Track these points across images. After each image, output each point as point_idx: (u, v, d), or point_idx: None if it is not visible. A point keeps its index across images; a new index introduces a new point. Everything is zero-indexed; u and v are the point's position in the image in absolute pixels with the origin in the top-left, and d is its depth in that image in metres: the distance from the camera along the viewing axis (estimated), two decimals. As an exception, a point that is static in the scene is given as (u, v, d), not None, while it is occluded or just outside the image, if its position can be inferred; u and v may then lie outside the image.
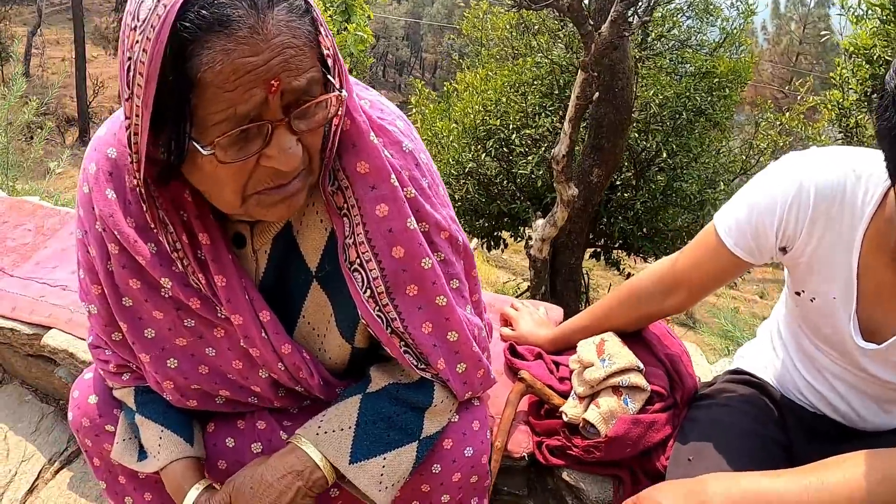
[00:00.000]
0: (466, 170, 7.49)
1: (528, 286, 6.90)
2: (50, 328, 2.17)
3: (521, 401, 1.76)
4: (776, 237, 1.35)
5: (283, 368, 1.27)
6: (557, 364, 1.79)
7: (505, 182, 7.77)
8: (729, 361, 2.02)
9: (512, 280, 12.74)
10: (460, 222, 6.82)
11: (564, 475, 1.68)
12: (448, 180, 7.81)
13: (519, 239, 8.25)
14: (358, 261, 1.15)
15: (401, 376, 1.31)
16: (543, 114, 7.28)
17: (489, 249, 9.06)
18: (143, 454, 1.36)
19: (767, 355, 1.71)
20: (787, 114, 8.53)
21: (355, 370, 1.36)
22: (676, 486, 1.33)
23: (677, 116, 7.42)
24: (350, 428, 1.24)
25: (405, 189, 1.14)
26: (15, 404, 2.42)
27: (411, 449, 1.27)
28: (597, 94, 5.48)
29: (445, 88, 9.28)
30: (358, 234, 1.13)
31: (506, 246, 8.91)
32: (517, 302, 2.09)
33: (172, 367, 1.27)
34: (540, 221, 6.10)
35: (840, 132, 5.34)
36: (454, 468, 1.34)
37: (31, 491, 2.16)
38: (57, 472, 2.23)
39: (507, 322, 2.03)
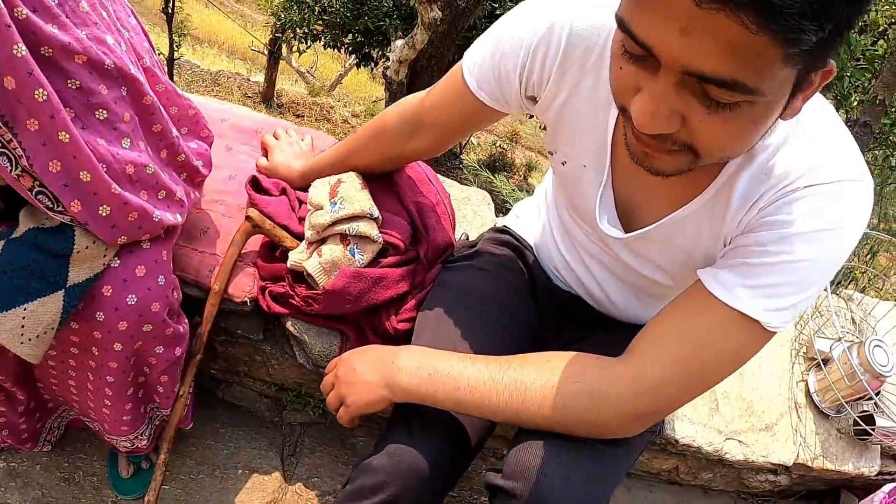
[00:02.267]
0: (332, -21, 7.00)
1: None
2: None
3: (255, 240, 1.56)
4: (520, 83, 1.13)
5: None
6: (301, 202, 1.58)
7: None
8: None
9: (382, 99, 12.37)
10: (327, 36, 6.41)
11: (289, 325, 1.53)
12: (309, -10, 7.30)
13: (388, 59, 7.90)
14: None
15: (45, 220, 1.19)
16: (416, -75, 6.79)
17: (359, 66, 8.64)
18: None
19: (532, 218, 1.56)
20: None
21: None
22: (374, 352, 1.24)
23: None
24: None
25: (15, 10, 0.99)
26: None
27: (56, 298, 1.18)
28: None
29: None
30: None
31: (376, 64, 8.47)
32: (281, 130, 1.85)
33: None
34: (399, 42, 5.73)
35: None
36: (118, 316, 1.25)
37: None
38: None
39: (266, 152, 1.79)
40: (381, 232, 1.44)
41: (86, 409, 1.52)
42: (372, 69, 8.95)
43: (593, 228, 1.20)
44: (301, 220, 1.53)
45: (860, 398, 1.97)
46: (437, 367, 1.15)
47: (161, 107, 1.29)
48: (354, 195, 1.41)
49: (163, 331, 1.34)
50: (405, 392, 1.16)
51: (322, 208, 1.42)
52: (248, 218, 1.48)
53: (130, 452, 1.65)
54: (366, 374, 1.20)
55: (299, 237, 1.51)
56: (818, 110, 0.96)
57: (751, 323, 0.97)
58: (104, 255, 1.22)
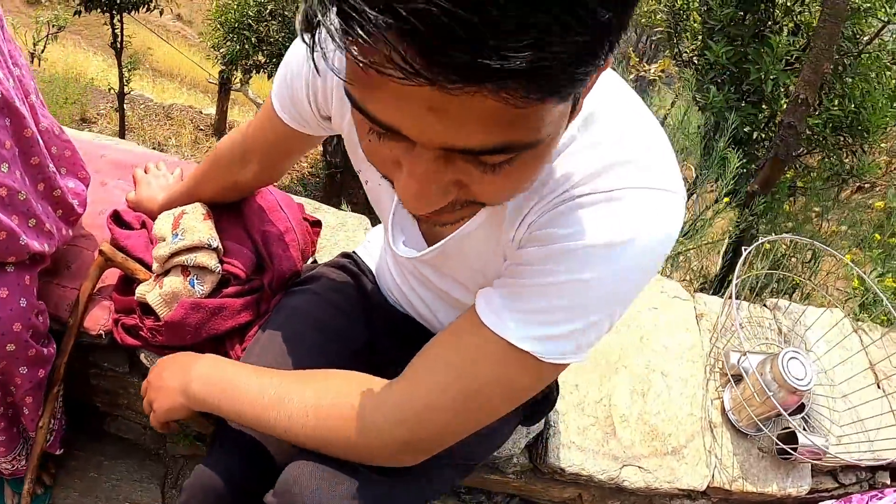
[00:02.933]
0: (268, 10, 7.03)
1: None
2: None
3: (114, 272, 1.59)
4: (310, 103, 1.10)
5: None
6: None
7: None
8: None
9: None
10: (270, 66, 6.42)
11: (142, 357, 1.56)
12: (248, 21, 7.31)
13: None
14: None
15: None
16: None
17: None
18: None
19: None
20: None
21: None
22: (180, 357, 1.25)
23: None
24: None
25: None
26: None
27: None
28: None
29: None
30: None
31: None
32: (152, 163, 1.88)
33: None
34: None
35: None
36: None
37: None
38: None
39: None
40: (223, 261, 1.47)
41: None
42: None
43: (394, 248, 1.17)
44: (157, 253, 1.56)
45: (780, 414, 1.80)
46: (226, 378, 1.13)
47: (42, 142, 1.34)
48: (195, 226, 1.45)
49: (26, 351, 1.39)
50: (196, 400, 1.14)
51: (165, 240, 1.45)
52: (100, 252, 1.51)
53: (13, 475, 1.68)
54: (168, 380, 1.20)
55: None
56: (610, 107, 0.84)
57: (519, 353, 0.86)
58: None
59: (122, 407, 1.90)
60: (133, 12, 9.45)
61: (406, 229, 1.13)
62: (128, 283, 1.57)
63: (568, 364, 0.90)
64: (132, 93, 10.79)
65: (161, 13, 9.93)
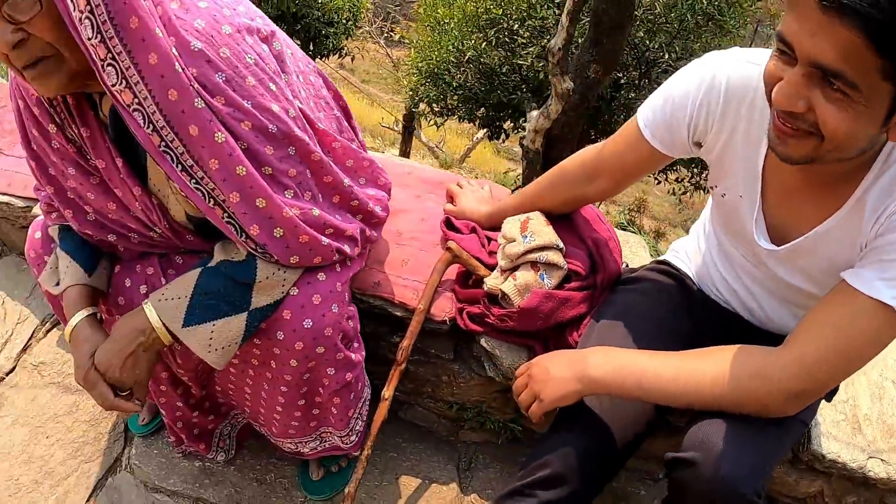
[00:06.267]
0: (466, 58, 7.39)
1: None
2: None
3: (451, 270, 1.83)
4: (688, 131, 1.39)
5: (140, 208, 1.44)
6: (490, 239, 1.86)
7: (507, 72, 7.67)
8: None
9: (513, 170, 12.76)
10: (461, 110, 6.75)
11: (482, 342, 1.78)
12: (447, 67, 7.71)
13: (519, 130, 8.25)
14: (163, 143, 1.26)
15: (234, 254, 1.45)
16: (546, 5, 7.13)
17: (490, 139, 9.02)
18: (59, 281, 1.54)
19: (692, 250, 1.78)
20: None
21: (209, 225, 1.47)
22: (564, 354, 1.46)
23: (684, 19, 7.26)
24: (186, 297, 1.41)
25: (193, 85, 1.24)
26: (13, 272, 2.60)
27: (240, 319, 1.44)
28: (599, -13, 5.38)
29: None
30: (157, 121, 1.23)
31: (507, 136, 8.85)
32: (463, 180, 2.14)
33: (68, 199, 1.48)
34: (534, 113, 6.06)
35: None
36: (295, 337, 1.49)
37: (25, 349, 2.37)
38: (48, 331, 2.44)
39: (452, 199, 2.09)
40: (565, 261, 1.69)
41: (256, 413, 1.80)
42: (501, 142, 9.32)
43: (750, 247, 1.45)
44: (491, 253, 1.80)
45: None
46: (623, 362, 1.37)
47: (331, 162, 1.49)
48: (542, 229, 1.68)
49: (334, 354, 1.57)
50: (596, 383, 1.37)
51: (515, 240, 1.68)
52: (447, 249, 1.76)
53: (294, 456, 1.91)
54: (559, 372, 1.42)
55: (490, 268, 1.77)
56: None
57: (885, 309, 1.17)
58: (283, 285, 1.47)
59: (423, 395, 2.13)
60: (325, 58, 10.17)
61: (763, 233, 1.40)
62: (465, 278, 1.81)
63: None
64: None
65: (353, 59, 10.63)
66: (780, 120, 1.09)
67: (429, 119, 8.34)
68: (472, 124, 8.82)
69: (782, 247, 1.37)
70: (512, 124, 8.38)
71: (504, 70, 7.79)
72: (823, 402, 1.95)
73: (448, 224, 1.92)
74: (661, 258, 1.84)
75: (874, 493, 2.06)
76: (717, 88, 1.31)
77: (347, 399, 1.72)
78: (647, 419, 1.52)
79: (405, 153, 10.83)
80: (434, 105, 8.29)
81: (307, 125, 1.44)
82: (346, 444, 1.85)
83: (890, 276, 1.17)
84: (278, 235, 1.39)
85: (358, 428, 1.85)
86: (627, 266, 1.92)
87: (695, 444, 1.31)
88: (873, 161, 1.19)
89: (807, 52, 0.98)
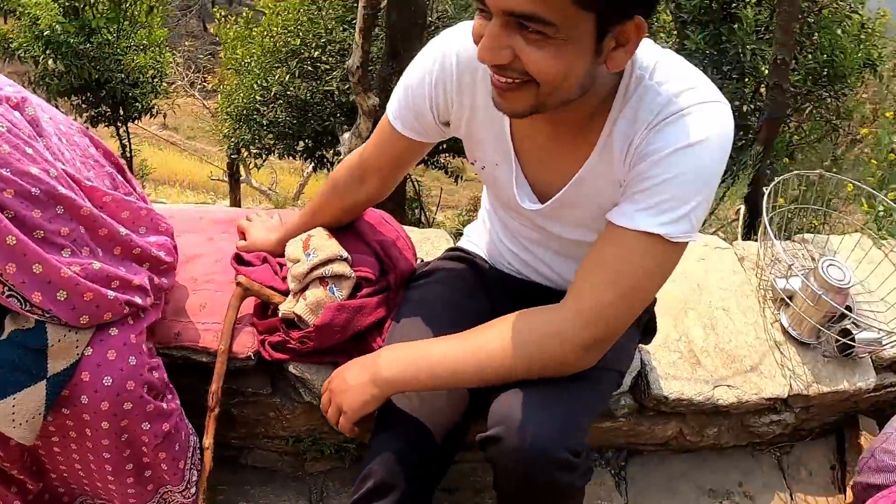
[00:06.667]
0: (273, 94, 7.36)
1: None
2: None
3: (249, 305, 1.79)
4: (433, 114, 1.41)
5: None
6: (282, 265, 1.82)
7: (318, 101, 7.68)
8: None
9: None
10: (279, 146, 6.71)
11: (290, 368, 1.75)
12: (255, 107, 7.66)
13: (338, 156, 8.26)
14: None
15: (24, 323, 1.40)
16: (343, 27, 7.19)
17: (315, 170, 8.99)
18: None
19: (480, 230, 1.80)
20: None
21: None
22: (358, 361, 1.43)
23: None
24: None
25: None
26: None
27: (39, 388, 1.39)
28: (385, 1, 5.45)
29: (244, 13, 8.96)
30: None
31: (332, 164, 8.83)
32: (252, 213, 2.10)
33: None
34: (346, 135, 6.09)
35: None
36: (99, 397, 1.45)
37: None
38: None
39: (243, 234, 2.05)
40: (352, 269, 1.68)
41: (96, 490, 1.72)
42: (327, 172, 9.31)
43: (519, 212, 1.46)
44: (284, 279, 1.77)
45: (833, 318, 2.10)
46: (412, 355, 1.35)
47: (104, 215, 1.49)
48: (324, 244, 1.67)
49: (143, 408, 1.52)
50: (392, 382, 1.35)
51: (299, 261, 1.66)
52: (238, 284, 1.72)
53: None
54: (354, 379, 1.39)
55: (285, 294, 1.74)
56: (663, 61, 1.21)
57: (654, 239, 1.18)
58: (76, 346, 1.42)
59: (258, 437, 2.08)
60: (137, 121, 9.88)
61: (527, 194, 1.41)
62: (264, 310, 1.78)
63: (686, 244, 1.23)
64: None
65: (165, 116, 10.35)
66: (494, 76, 1.11)
67: (248, 163, 8.24)
68: (294, 160, 8.78)
69: (546, 204, 1.39)
70: (332, 151, 8.40)
71: (316, 99, 7.80)
72: (650, 346, 2.02)
73: (238, 259, 1.88)
74: (453, 245, 1.85)
75: (732, 420, 2.15)
76: (449, 65, 1.33)
77: (173, 451, 1.66)
78: (464, 407, 1.51)
79: (236, 202, 10.63)
80: (251, 147, 8.20)
81: (72, 183, 1.43)
82: (188, 497, 1.78)
83: (647, 204, 1.18)
84: (62, 298, 1.37)
85: (195, 479, 1.78)
86: (422, 261, 1.93)
87: (498, 420, 1.30)
88: (613, 98, 1.21)
89: (496, 2, 1.00)
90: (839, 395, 2.11)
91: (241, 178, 11.30)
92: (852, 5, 5.95)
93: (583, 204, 1.36)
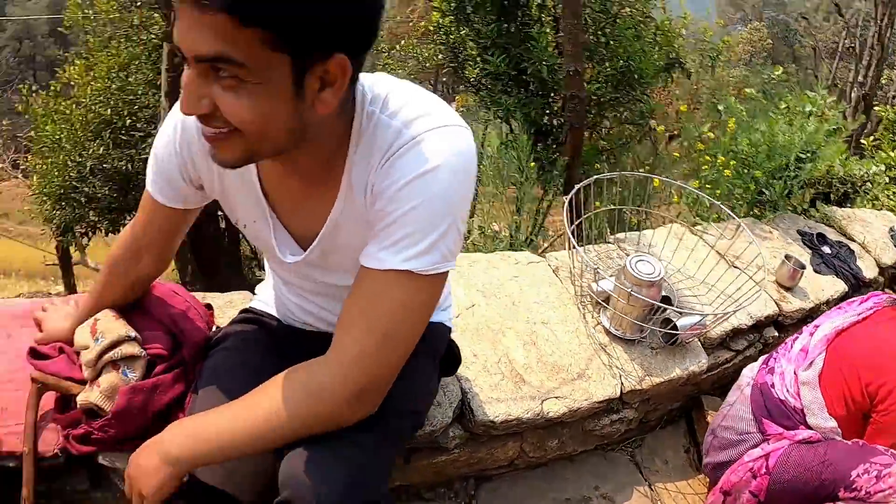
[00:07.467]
0: (88, 168, 7.13)
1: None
2: None
3: (49, 399, 1.76)
4: (184, 179, 1.40)
5: None
6: (79, 353, 1.80)
7: (139, 169, 7.48)
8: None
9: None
10: (104, 222, 6.46)
11: (101, 459, 1.72)
12: (72, 184, 7.38)
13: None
14: None
15: None
16: (150, 91, 7.06)
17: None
18: None
19: (267, 288, 1.82)
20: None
21: None
22: (148, 442, 1.35)
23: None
24: None
25: None
26: None
27: None
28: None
29: (51, 87, 8.58)
30: None
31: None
32: (47, 303, 2.06)
33: None
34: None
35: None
36: None
37: None
38: None
39: (41, 326, 2.00)
40: (143, 348, 1.68)
41: None
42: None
43: (290, 269, 1.47)
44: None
45: (653, 310, 2.16)
46: (196, 429, 1.28)
47: None
48: (111, 325, 1.66)
49: None
50: (181, 460, 1.27)
51: (88, 346, 1.65)
52: (33, 380, 1.68)
53: None
54: (146, 462, 1.29)
55: (84, 383, 1.72)
56: (395, 91, 1.20)
57: (404, 276, 1.15)
58: None
59: (90, 532, 2.02)
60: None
61: (289, 246, 1.42)
62: (66, 403, 1.75)
63: (446, 273, 1.22)
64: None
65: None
66: (203, 127, 1.07)
67: (73, 244, 7.92)
68: (116, 234, 8.51)
69: (306, 252, 1.38)
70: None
71: (136, 168, 7.60)
72: (470, 373, 2.04)
73: (34, 353, 1.83)
74: (244, 307, 1.87)
75: (572, 428, 2.18)
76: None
77: None
78: (273, 470, 1.38)
79: (70, 286, 10.17)
80: (76, 227, 7.90)
81: None
82: None
83: (390, 242, 1.16)
84: None
85: None
86: (218, 328, 1.94)
87: (285, 482, 1.26)
88: (349, 141, 1.20)
89: (188, 48, 0.97)
90: (674, 382, 2.17)
91: (76, 261, 10.83)
92: (644, 12, 6.38)
93: (342, 249, 1.34)
